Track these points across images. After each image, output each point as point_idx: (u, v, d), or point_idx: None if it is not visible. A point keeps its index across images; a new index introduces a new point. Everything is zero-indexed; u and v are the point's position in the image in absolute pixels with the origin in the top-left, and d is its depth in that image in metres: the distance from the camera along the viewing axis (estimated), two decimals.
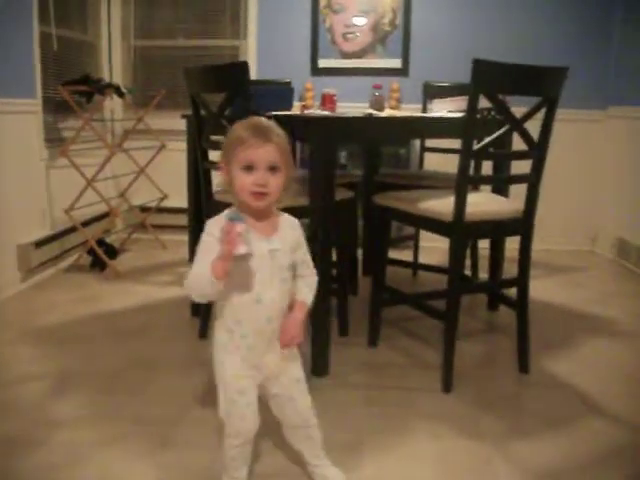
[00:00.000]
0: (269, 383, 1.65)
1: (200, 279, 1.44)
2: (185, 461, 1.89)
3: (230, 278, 1.46)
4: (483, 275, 3.53)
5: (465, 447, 2.00)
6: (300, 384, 1.69)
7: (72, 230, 4.00)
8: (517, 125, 2.30)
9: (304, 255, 1.64)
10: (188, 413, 2.17)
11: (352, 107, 3.45)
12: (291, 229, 1.60)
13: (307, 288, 1.65)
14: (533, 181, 2.42)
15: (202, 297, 1.53)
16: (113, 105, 4.81)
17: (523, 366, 2.55)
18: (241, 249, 1.39)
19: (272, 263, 1.53)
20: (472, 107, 2.21)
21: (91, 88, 3.95)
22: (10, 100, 3.44)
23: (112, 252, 4.15)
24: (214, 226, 1.49)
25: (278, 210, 1.61)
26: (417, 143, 4.40)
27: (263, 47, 4.73)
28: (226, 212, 1.52)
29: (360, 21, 4.64)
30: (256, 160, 1.47)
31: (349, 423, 2.14)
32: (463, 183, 2.26)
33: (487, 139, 2.30)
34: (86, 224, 4.11)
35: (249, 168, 1.47)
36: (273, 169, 1.49)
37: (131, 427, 2.09)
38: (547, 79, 2.30)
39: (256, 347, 1.58)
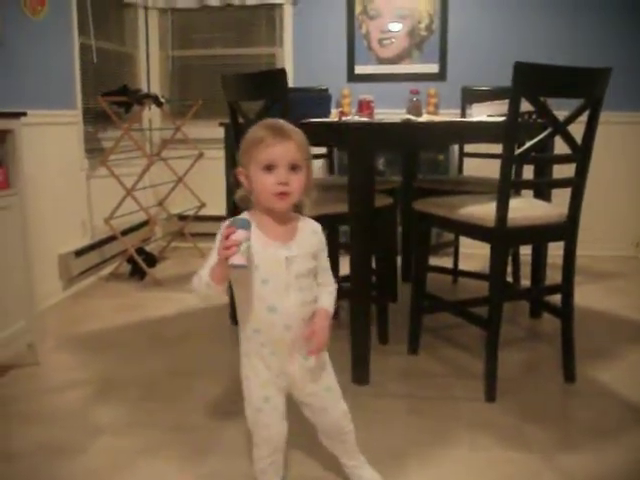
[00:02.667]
0: (297, 392, 1.61)
1: (200, 280, 1.43)
2: (225, 469, 1.87)
3: (242, 286, 1.47)
4: (525, 282, 3.46)
5: (510, 458, 1.95)
6: (331, 393, 1.64)
7: (112, 239, 4.05)
8: (560, 128, 2.25)
9: (325, 262, 1.59)
10: (228, 421, 2.16)
11: (389, 113, 3.42)
12: (312, 234, 1.55)
13: (327, 295, 1.60)
14: (577, 185, 2.36)
15: (206, 300, 1.55)
16: (151, 115, 4.86)
17: (568, 375, 2.48)
18: (235, 260, 1.31)
19: (288, 271, 1.47)
20: (514, 110, 2.17)
21: (129, 98, 4.00)
22: (51, 112, 3.50)
23: (151, 260, 4.19)
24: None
25: (299, 215, 1.55)
26: (455, 148, 4.35)
27: (299, 54, 4.74)
28: (244, 215, 1.48)
29: (396, 27, 4.62)
30: (276, 158, 1.42)
31: (391, 433, 2.10)
32: (505, 188, 2.21)
33: (529, 143, 2.25)
34: (125, 233, 4.15)
35: (269, 168, 1.43)
36: (294, 168, 1.44)
37: (171, 434, 2.09)
38: (590, 80, 2.25)
39: (278, 354, 1.53)
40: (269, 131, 1.44)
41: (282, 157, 1.42)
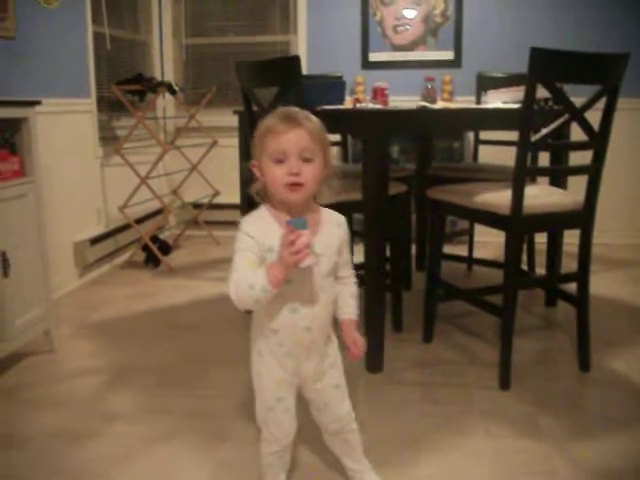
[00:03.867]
0: (306, 389, 1.57)
1: (251, 287, 1.32)
2: (240, 455, 1.88)
3: None
4: (539, 270, 3.44)
5: (524, 447, 1.94)
6: (339, 390, 1.60)
7: (126, 227, 4.07)
8: (577, 115, 2.23)
9: (347, 255, 1.53)
10: (242, 407, 2.17)
11: (404, 100, 3.41)
12: (337, 227, 1.48)
13: (352, 300, 1.55)
14: (594, 172, 2.34)
15: (252, 305, 1.39)
16: (165, 103, 4.87)
17: (583, 364, 2.46)
18: (308, 261, 1.28)
19: (312, 272, 1.41)
20: (529, 97, 2.15)
21: (143, 87, 4.00)
22: (66, 100, 3.51)
23: (166, 248, 4.20)
24: (250, 225, 1.40)
25: (319, 206, 1.48)
26: (471, 136, 4.32)
27: (313, 42, 4.72)
28: (263, 210, 1.43)
29: (411, 13, 4.58)
30: (286, 148, 1.34)
31: (404, 420, 2.10)
32: (521, 175, 2.20)
33: (545, 130, 2.24)
34: (140, 221, 4.17)
35: (280, 159, 1.35)
36: (306, 159, 1.36)
37: (186, 421, 2.10)
38: (607, 66, 2.22)
39: (294, 355, 1.49)
40: (279, 119, 1.36)
41: (293, 146, 1.34)
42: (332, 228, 1.47)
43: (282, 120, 1.36)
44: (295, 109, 1.41)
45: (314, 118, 1.41)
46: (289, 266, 1.29)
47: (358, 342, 1.53)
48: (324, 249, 1.42)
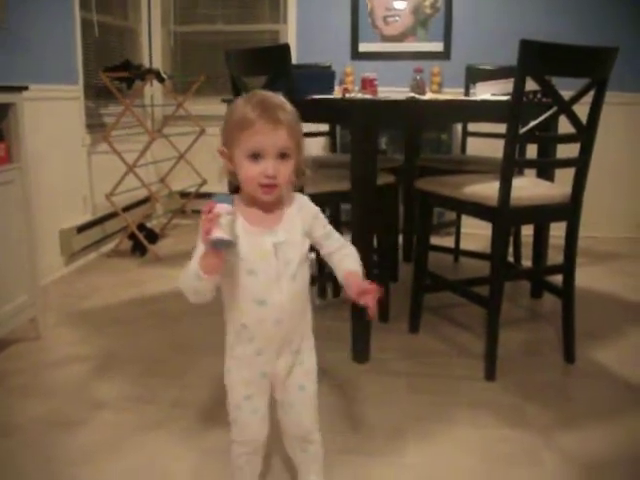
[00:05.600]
0: (275, 389, 1.49)
1: (188, 273, 1.28)
2: (225, 445, 1.85)
3: (228, 277, 1.33)
4: (526, 262, 3.46)
5: (509, 436, 1.96)
6: (304, 393, 1.49)
7: (113, 215, 4.04)
8: (565, 108, 2.24)
9: (324, 229, 1.42)
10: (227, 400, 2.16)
11: (393, 91, 3.39)
12: (298, 211, 1.39)
13: (348, 258, 1.43)
14: (581, 165, 2.35)
15: (195, 295, 1.31)
16: (153, 91, 4.83)
17: (568, 355, 2.49)
18: (216, 233, 1.19)
19: (277, 259, 1.33)
20: (518, 89, 2.15)
21: (131, 74, 3.97)
22: (52, 87, 3.48)
23: (153, 237, 4.19)
24: None
25: (289, 194, 1.41)
26: (459, 128, 4.33)
27: (303, 31, 4.70)
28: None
29: (401, 4, 4.57)
30: (264, 147, 1.27)
31: (391, 410, 2.11)
32: (509, 167, 2.20)
33: (534, 122, 2.24)
34: (127, 209, 4.14)
35: (256, 156, 1.28)
36: (283, 155, 1.29)
37: (172, 410, 2.10)
38: (597, 60, 2.23)
39: (265, 352, 1.41)
40: (258, 112, 1.27)
41: (272, 146, 1.27)
42: (294, 214, 1.38)
43: (261, 115, 1.27)
44: (272, 97, 1.32)
45: (289, 107, 1.32)
46: (204, 240, 1.22)
47: (367, 290, 1.34)
48: (287, 234, 1.35)
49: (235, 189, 1.40)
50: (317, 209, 1.43)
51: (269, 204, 1.35)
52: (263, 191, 1.30)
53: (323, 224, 1.43)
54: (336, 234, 1.45)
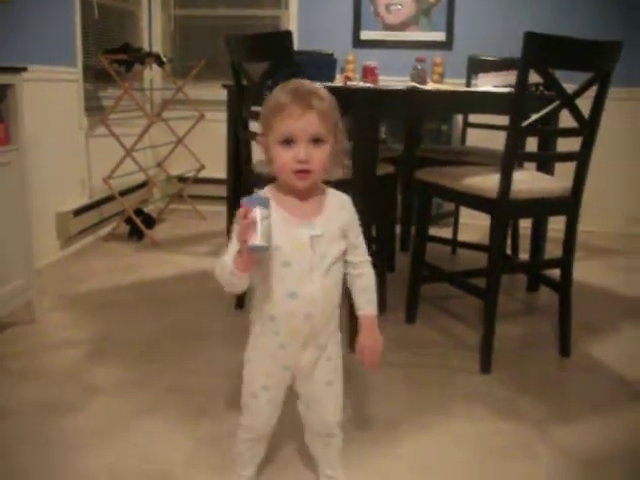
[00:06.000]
0: (297, 382, 1.48)
1: (224, 269, 1.28)
2: (220, 432, 1.88)
3: (261, 267, 1.31)
4: (523, 255, 3.46)
5: (504, 429, 1.96)
6: (331, 388, 1.48)
7: (110, 199, 4.02)
8: (568, 101, 2.23)
9: (356, 239, 1.41)
10: (224, 383, 2.17)
11: (393, 80, 3.39)
12: (340, 209, 1.38)
13: (365, 294, 1.44)
14: (582, 159, 2.35)
15: (230, 287, 1.31)
16: (152, 75, 4.80)
17: (564, 349, 2.49)
18: (254, 240, 1.17)
19: (313, 252, 1.32)
20: (522, 82, 2.14)
21: (131, 57, 3.94)
22: (51, 68, 3.45)
23: (150, 221, 4.17)
24: None
25: (326, 186, 1.40)
26: (459, 119, 4.31)
27: (304, 18, 4.67)
28: (265, 192, 1.36)
29: None
30: (296, 132, 1.26)
31: (386, 401, 2.11)
32: (510, 159, 2.20)
33: (536, 115, 2.23)
34: (124, 193, 4.12)
35: (288, 142, 1.27)
36: (316, 141, 1.28)
37: (168, 396, 2.10)
38: (601, 53, 2.22)
39: (289, 346, 1.39)
40: (290, 97, 1.27)
41: (302, 130, 1.26)
42: (335, 210, 1.37)
43: (293, 100, 1.26)
44: (307, 85, 1.31)
45: (325, 94, 1.31)
46: (241, 245, 1.21)
47: (366, 349, 1.43)
48: (325, 229, 1.33)
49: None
50: (357, 215, 1.42)
51: (305, 192, 1.33)
52: (297, 177, 1.29)
53: (356, 233, 1.42)
54: (364, 248, 1.45)
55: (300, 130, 1.26)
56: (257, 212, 1.17)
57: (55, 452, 1.78)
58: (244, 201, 1.19)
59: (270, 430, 1.52)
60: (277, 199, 1.33)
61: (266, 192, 1.36)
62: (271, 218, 1.21)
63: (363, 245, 1.44)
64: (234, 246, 1.27)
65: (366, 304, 1.45)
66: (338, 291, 1.41)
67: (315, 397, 1.48)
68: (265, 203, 1.19)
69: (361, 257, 1.44)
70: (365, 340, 1.44)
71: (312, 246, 1.32)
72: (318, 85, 1.33)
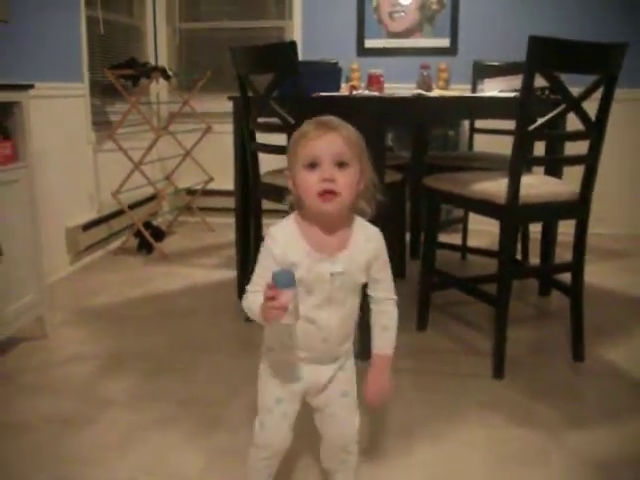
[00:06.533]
0: (312, 395, 1.45)
1: (250, 310, 1.29)
2: (233, 443, 1.88)
3: None
4: (533, 259, 3.44)
5: (517, 436, 1.95)
6: (347, 400, 1.46)
7: (119, 213, 4.04)
8: (575, 104, 2.22)
9: (379, 272, 1.38)
10: (236, 395, 2.16)
11: (399, 88, 3.39)
12: (365, 242, 1.35)
13: (384, 332, 1.41)
14: (591, 162, 2.33)
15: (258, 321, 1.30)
16: (159, 88, 4.82)
17: (577, 354, 2.47)
18: (285, 320, 1.18)
19: (332, 287, 1.31)
20: (528, 86, 2.14)
21: (137, 71, 3.96)
22: (58, 84, 3.47)
23: (159, 235, 4.18)
24: (274, 237, 1.31)
25: (355, 218, 1.36)
26: (466, 125, 4.31)
27: (308, 28, 4.68)
28: (290, 221, 1.34)
29: (406, 0, 4.55)
30: (319, 154, 1.25)
31: (398, 409, 2.10)
32: (518, 164, 2.19)
33: (543, 119, 2.22)
34: (133, 207, 4.14)
35: (313, 165, 1.25)
36: (341, 164, 1.25)
37: (180, 408, 2.10)
38: (606, 56, 2.21)
39: (305, 360, 1.39)
40: (313, 125, 1.28)
41: (326, 152, 1.25)
42: (360, 244, 1.34)
43: (316, 126, 1.27)
44: (331, 117, 1.31)
45: (350, 126, 1.31)
46: (267, 319, 1.21)
47: (374, 390, 1.42)
48: (347, 265, 1.31)
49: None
50: (385, 250, 1.39)
51: (332, 224, 1.31)
52: (322, 199, 1.25)
53: (380, 267, 1.39)
54: (389, 284, 1.41)
55: (323, 149, 1.25)
56: (287, 296, 1.15)
57: (69, 466, 1.78)
58: (275, 279, 1.15)
59: (286, 448, 1.49)
60: (301, 229, 1.32)
61: (291, 220, 1.34)
62: (295, 255, 1.23)
63: (388, 281, 1.41)
64: (259, 281, 1.28)
65: (383, 344, 1.42)
66: (354, 317, 1.41)
67: (331, 412, 1.46)
68: (292, 282, 1.16)
69: (385, 293, 1.41)
70: (376, 380, 1.42)
71: (331, 282, 1.31)
72: (342, 120, 1.32)
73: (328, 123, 1.28)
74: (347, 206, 1.30)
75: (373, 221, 1.39)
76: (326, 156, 1.25)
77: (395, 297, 1.43)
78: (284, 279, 1.15)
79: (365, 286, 1.40)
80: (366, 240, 1.35)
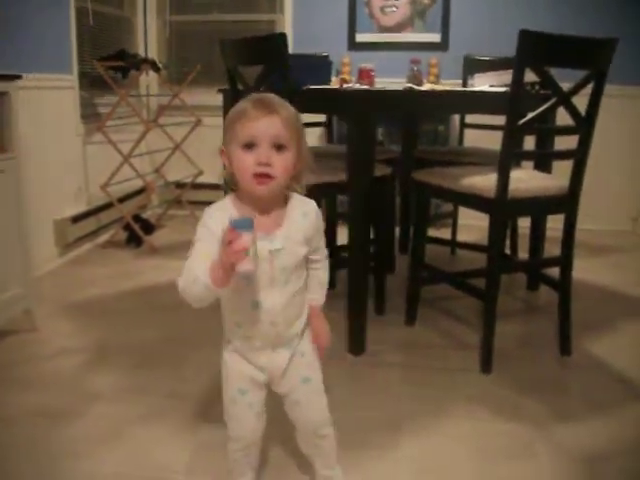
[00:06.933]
0: (275, 384, 1.46)
1: (196, 283, 1.21)
2: (220, 438, 1.84)
3: None
4: (522, 254, 3.46)
5: (505, 429, 1.95)
6: (309, 385, 1.46)
7: (108, 206, 4.02)
8: (565, 99, 2.22)
9: (318, 242, 1.43)
10: (222, 394, 2.15)
11: (390, 82, 3.38)
12: (302, 217, 1.36)
13: (319, 287, 1.49)
14: (580, 157, 2.34)
15: (199, 302, 1.26)
16: (148, 81, 4.80)
17: (565, 348, 2.48)
18: (244, 266, 1.14)
19: (272, 266, 1.31)
20: (518, 81, 2.14)
21: (127, 63, 3.94)
22: (47, 76, 3.44)
23: (148, 228, 4.17)
24: (212, 217, 1.30)
25: (291, 193, 1.37)
26: (456, 120, 4.31)
27: (299, 21, 4.67)
28: (227, 201, 1.33)
29: None
30: (257, 134, 1.24)
31: (386, 402, 2.11)
32: (507, 159, 2.19)
33: (533, 114, 2.23)
34: (122, 200, 4.12)
35: (250, 145, 1.25)
36: (279, 147, 1.25)
37: (168, 402, 2.09)
38: (596, 51, 2.22)
39: (260, 348, 1.39)
40: (251, 104, 1.26)
41: (264, 133, 1.24)
42: (297, 219, 1.35)
43: (255, 105, 1.26)
44: (271, 95, 1.31)
45: (290, 106, 1.31)
46: (226, 268, 1.15)
47: (321, 332, 1.51)
48: (285, 241, 1.32)
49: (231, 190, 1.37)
50: (321, 220, 1.42)
51: (266, 204, 1.32)
52: (257, 181, 1.25)
53: (320, 237, 1.44)
54: (324, 247, 1.49)
55: (261, 131, 1.25)
56: (246, 238, 1.12)
57: (55, 460, 1.77)
58: (233, 224, 1.13)
59: (260, 437, 1.50)
60: (237, 209, 1.32)
61: (227, 201, 1.34)
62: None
63: (323, 245, 1.48)
64: (199, 258, 1.24)
65: (320, 297, 1.51)
66: (301, 296, 1.42)
67: (295, 399, 1.47)
68: (250, 226, 1.14)
69: (318, 256, 1.47)
70: (319, 322, 1.51)
71: (271, 260, 1.31)
72: (280, 99, 1.32)
73: (268, 104, 1.27)
74: (281, 187, 1.31)
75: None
76: (264, 137, 1.25)
77: (327, 253, 1.50)
78: (244, 222, 1.14)
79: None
80: (303, 215, 1.37)
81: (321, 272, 1.49)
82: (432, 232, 3.49)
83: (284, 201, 1.36)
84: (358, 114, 2.31)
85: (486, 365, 2.33)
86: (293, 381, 1.45)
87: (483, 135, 3.52)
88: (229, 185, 1.35)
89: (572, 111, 2.26)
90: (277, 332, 1.38)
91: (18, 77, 2.47)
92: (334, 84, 2.87)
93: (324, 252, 1.49)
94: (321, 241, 1.45)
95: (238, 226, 1.12)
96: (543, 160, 2.90)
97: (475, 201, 2.35)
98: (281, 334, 1.39)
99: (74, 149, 3.82)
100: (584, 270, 3.49)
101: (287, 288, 1.36)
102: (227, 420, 1.48)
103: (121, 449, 1.83)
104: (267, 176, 1.26)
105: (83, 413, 2.02)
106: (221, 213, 1.30)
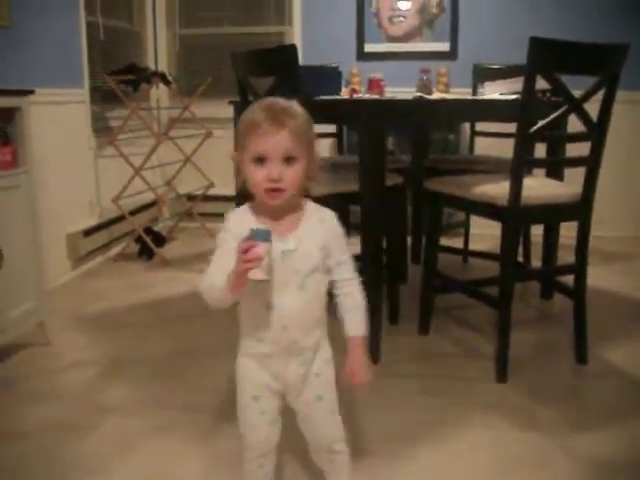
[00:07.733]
0: (289, 398, 1.44)
1: (213, 287, 1.28)
2: (235, 449, 1.84)
3: None
4: (535, 262, 3.43)
5: (521, 439, 1.94)
6: (322, 403, 1.44)
7: (120, 219, 4.04)
8: (576, 106, 2.21)
9: (342, 255, 1.39)
10: (235, 401, 2.14)
11: (399, 92, 3.38)
12: (319, 222, 1.36)
13: (351, 313, 1.41)
14: (592, 164, 2.33)
15: (216, 303, 1.32)
16: (159, 94, 4.83)
17: (580, 356, 2.46)
18: (256, 275, 1.18)
19: (285, 266, 1.30)
20: (529, 88, 2.13)
21: (137, 77, 3.97)
22: (58, 90, 3.47)
23: (160, 240, 4.18)
24: (233, 221, 1.34)
25: (306, 202, 1.38)
26: (466, 127, 4.30)
27: (308, 33, 4.69)
28: (245, 207, 1.35)
29: (405, 5, 4.55)
30: (268, 151, 1.25)
31: (401, 413, 2.09)
32: (519, 166, 2.18)
33: (544, 121, 2.22)
34: (134, 213, 4.14)
35: (261, 160, 1.26)
36: (289, 159, 1.27)
37: (180, 414, 2.09)
38: (607, 57, 2.21)
39: (273, 355, 1.38)
40: (264, 115, 1.26)
41: (275, 148, 1.25)
42: (313, 224, 1.35)
43: (266, 118, 1.26)
44: (281, 103, 1.30)
45: (300, 113, 1.31)
46: (239, 274, 1.19)
47: (357, 370, 1.41)
48: (299, 244, 1.32)
49: (245, 197, 1.38)
50: (342, 231, 1.40)
51: (278, 211, 1.33)
52: (268, 196, 1.28)
53: (342, 250, 1.39)
54: (350, 265, 1.41)
55: (272, 147, 1.25)
56: (261, 247, 1.16)
57: (69, 473, 1.77)
58: (251, 233, 1.17)
59: (274, 447, 1.47)
60: (254, 215, 1.34)
61: (245, 207, 1.36)
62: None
63: (349, 262, 1.41)
64: (222, 263, 1.27)
65: (353, 326, 1.41)
66: (317, 305, 1.39)
67: (307, 416, 1.45)
68: (268, 237, 1.18)
69: (346, 274, 1.41)
70: (354, 363, 1.41)
71: (283, 260, 1.30)
72: (291, 102, 1.32)
73: (280, 116, 1.26)
74: (292, 195, 1.32)
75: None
76: (274, 153, 1.26)
77: (357, 275, 1.43)
78: (262, 233, 1.17)
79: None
80: (320, 220, 1.37)
81: (356, 294, 1.42)
82: (444, 241, 3.47)
83: (299, 206, 1.37)
84: (369, 124, 2.31)
85: (501, 374, 2.31)
86: (307, 399, 1.43)
87: (494, 143, 3.51)
88: (243, 192, 1.36)
89: (584, 118, 2.25)
90: (289, 338, 1.36)
91: (31, 92, 2.49)
92: (344, 94, 2.87)
93: (352, 268, 1.42)
94: (345, 255, 1.40)
95: (256, 236, 1.16)
96: (555, 167, 2.88)
97: (488, 209, 2.34)
98: (293, 341, 1.37)
99: (86, 163, 3.84)
100: (598, 277, 3.46)
101: (301, 293, 1.34)
102: (241, 427, 1.47)
103: (134, 462, 1.82)
104: (278, 190, 1.27)
105: (96, 426, 2.02)
106: (240, 215, 1.35)
